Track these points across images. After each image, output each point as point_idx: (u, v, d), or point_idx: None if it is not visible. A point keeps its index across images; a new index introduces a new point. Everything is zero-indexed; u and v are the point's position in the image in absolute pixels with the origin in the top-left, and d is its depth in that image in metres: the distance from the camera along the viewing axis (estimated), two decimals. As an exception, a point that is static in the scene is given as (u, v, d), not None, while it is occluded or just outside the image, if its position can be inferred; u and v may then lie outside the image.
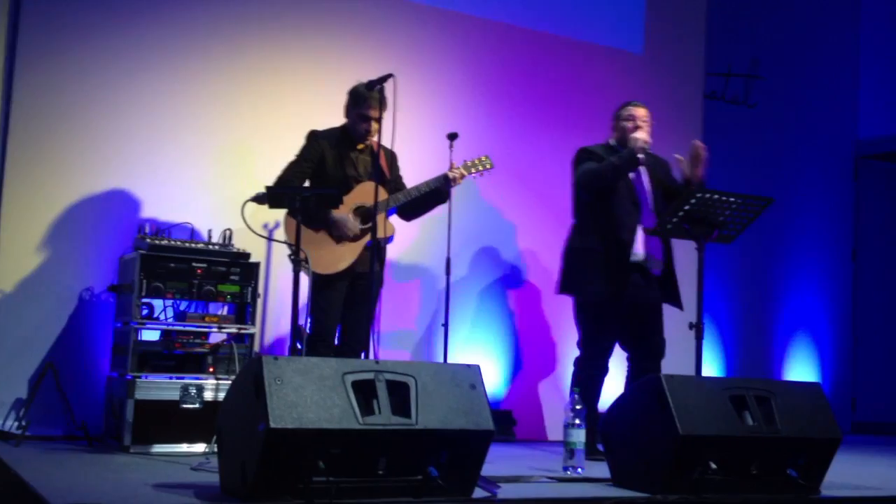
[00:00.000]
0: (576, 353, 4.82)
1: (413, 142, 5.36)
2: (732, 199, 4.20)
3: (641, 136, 4.67)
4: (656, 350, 4.77)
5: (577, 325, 4.82)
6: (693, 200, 4.18)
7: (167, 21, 5.13)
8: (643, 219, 4.75)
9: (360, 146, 4.58)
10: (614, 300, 4.64)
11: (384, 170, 4.55)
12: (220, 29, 5.27)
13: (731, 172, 7.14)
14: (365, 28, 5.67)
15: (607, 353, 4.75)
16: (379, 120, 4.36)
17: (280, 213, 4.61)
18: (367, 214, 4.45)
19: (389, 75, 4.23)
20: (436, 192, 4.63)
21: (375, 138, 4.46)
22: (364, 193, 4.46)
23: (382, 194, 4.41)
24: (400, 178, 4.68)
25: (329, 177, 4.49)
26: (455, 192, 5.06)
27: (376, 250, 4.34)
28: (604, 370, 4.75)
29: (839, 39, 8.46)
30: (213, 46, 5.24)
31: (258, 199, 4.22)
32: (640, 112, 4.84)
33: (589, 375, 4.69)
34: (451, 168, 4.66)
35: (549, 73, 6.31)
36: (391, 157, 4.67)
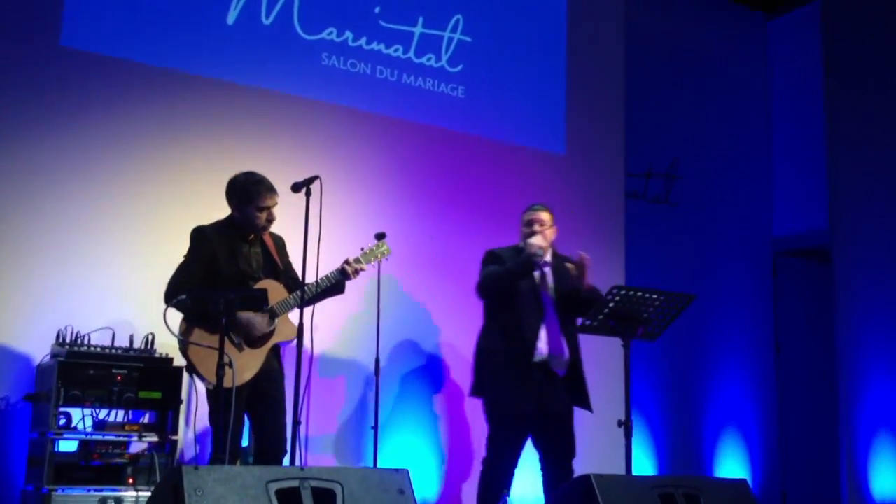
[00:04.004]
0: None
1: (341, 242, 5.36)
2: (655, 297, 4.28)
3: (536, 241, 4.67)
4: (566, 453, 4.68)
5: (487, 425, 4.73)
6: (618, 298, 4.24)
7: (88, 125, 5.11)
8: (546, 319, 4.71)
9: (251, 237, 4.42)
10: (518, 402, 4.58)
11: (276, 260, 4.48)
12: (142, 131, 5.26)
13: (653, 270, 7.28)
14: (290, 131, 5.71)
15: (512, 457, 4.62)
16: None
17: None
18: (271, 315, 4.31)
19: (316, 177, 4.26)
20: (334, 286, 4.53)
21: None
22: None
23: (283, 293, 4.36)
24: (290, 263, 4.56)
25: (222, 274, 4.28)
26: (382, 291, 5.06)
27: (276, 350, 4.28)
28: (506, 477, 4.60)
29: (753, 140, 8.79)
30: (135, 149, 5.22)
31: (179, 303, 4.13)
32: (540, 216, 4.84)
33: (492, 477, 4.58)
34: (347, 262, 4.52)
35: (473, 174, 6.41)
36: (279, 242, 4.57)
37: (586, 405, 4.76)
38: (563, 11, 6.98)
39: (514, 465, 4.65)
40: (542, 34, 6.87)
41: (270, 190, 4.37)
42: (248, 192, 4.36)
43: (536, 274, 4.77)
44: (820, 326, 8.15)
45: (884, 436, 6.91)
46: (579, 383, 4.75)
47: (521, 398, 4.57)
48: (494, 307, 4.77)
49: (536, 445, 4.73)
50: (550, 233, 4.82)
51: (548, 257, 4.81)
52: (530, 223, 4.83)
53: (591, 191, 6.83)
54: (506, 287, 4.69)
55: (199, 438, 4.98)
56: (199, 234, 4.36)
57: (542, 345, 4.65)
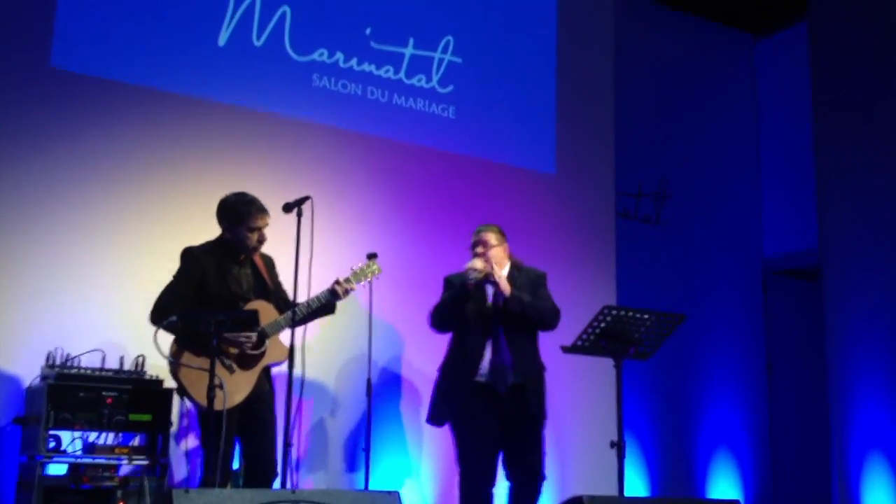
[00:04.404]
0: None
1: (332, 262, 5.36)
2: (647, 317, 4.28)
3: (473, 264, 4.67)
4: (525, 470, 4.59)
5: (455, 448, 4.70)
6: (609, 318, 4.24)
7: (77, 146, 5.10)
8: (492, 337, 4.66)
9: (241, 258, 4.42)
10: (469, 422, 4.57)
11: (266, 280, 4.47)
12: (132, 153, 5.24)
13: (644, 290, 7.28)
14: (281, 151, 5.71)
15: (484, 474, 4.56)
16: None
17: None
18: (262, 336, 4.30)
19: (307, 197, 4.26)
20: (325, 306, 4.52)
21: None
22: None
23: (273, 314, 4.34)
24: (280, 283, 4.56)
25: (213, 295, 4.28)
26: (374, 313, 5.05)
27: (268, 372, 4.27)
28: (485, 497, 4.55)
29: (742, 160, 8.83)
30: (126, 170, 5.21)
31: (169, 325, 4.11)
32: (483, 237, 4.83)
33: (470, 498, 4.56)
34: (337, 282, 4.53)
35: (464, 194, 6.40)
36: (269, 263, 4.56)
37: (533, 415, 4.63)
38: (553, 32, 7.01)
39: (490, 483, 4.58)
40: (532, 55, 6.90)
41: (261, 210, 4.37)
42: (239, 213, 4.35)
43: (490, 292, 4.73)
44: (811, 346, 8.16)
45: (875, 456, 6.90)
46: (524, 394, 4.62)
47: (473, 418, 4.56)
48: (451, 331, 4.80)
49: (503, 465, 4.67)
50: (495, 252, 4.79)
51: (504, 272, 4.78)
52: (475, 245, 4.84)
53: (582, 210, 6.84)
54: (449, 315, 4.72)
55: (189, 461, 4.95)
56: (188, 255, 4.35)
57: (486, 364, 4.63)
